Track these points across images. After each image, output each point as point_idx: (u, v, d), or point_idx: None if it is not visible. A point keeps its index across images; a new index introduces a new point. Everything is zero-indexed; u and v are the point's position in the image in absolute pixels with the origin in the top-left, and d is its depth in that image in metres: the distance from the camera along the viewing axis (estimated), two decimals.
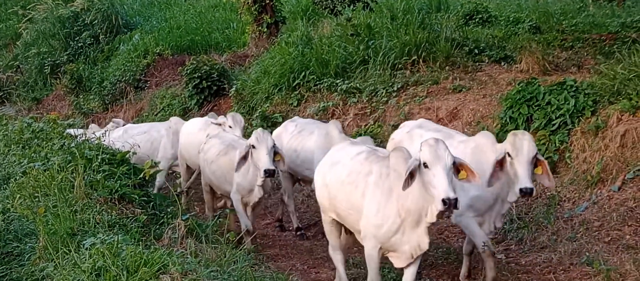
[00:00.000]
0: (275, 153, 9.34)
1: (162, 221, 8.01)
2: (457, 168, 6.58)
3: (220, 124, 11.37)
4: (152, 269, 5.76)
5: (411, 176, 6.42)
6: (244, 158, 9.31)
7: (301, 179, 11.14)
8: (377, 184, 6.93)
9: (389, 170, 6.89)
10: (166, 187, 12.13)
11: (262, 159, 9.15)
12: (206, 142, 10.54)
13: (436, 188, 6.27)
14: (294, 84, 14.89)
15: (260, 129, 9.44)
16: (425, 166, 6.35)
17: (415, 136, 8.76)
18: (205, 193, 10.87)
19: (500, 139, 10.85)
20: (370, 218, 6.96)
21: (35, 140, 10.94)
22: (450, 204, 6.14)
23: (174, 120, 13.35)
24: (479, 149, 8.00)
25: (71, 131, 12.09)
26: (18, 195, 8.44)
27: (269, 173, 9.14)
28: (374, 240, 6.98)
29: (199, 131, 11.92)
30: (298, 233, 10.95)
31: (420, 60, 13.84)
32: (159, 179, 12.58)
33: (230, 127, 11.24)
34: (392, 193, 6.80)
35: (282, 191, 11.43)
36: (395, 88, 13.32)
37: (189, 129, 12.33)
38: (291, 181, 11.12)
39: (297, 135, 10.78)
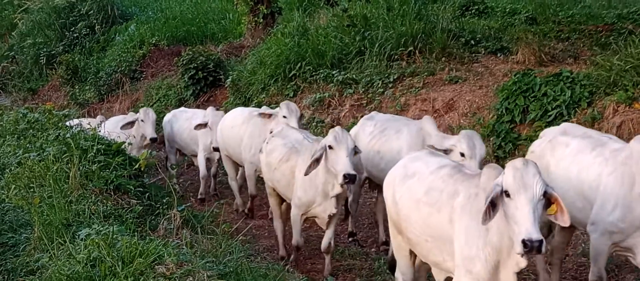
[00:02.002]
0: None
1: (157, 212, 8.01)
2: (548, 199, 5.25)
3: (269, 116, 10.33)
4: (147, 260, 5.74)
5: (493, 205, 5.22)
6: (317, 160, 7.95)
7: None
8: (465, 210, 5.64)
9: (478, 191, 5.60)
10: (162, 178, 12.12)
11: (342, 162, 7.75)
12: (268, 141, 9.18)
13: (518, 224, 5.07)
14: (290, 75, 14.89)
15: (338, 127, 8.08)
16: (507, 195, 5.15)
17: (558, 146, 7.31)
18: (270, 197, 9.42)
19: (497, 130, 10.92)
20: (460, 249, 5.69)
21: (31, 131, 10.89)
22: (532, 248, 4.96)
23: (210, 112, 12.48)
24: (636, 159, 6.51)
25: (84, 121, 12.29)
26: (13, 186, 8.42)
27: (349, 179, 7.74)
28: (469, 277, 5.62)
29: (242, 124, 10.93)
30: (351, 238, 10.02)
31: (417, 51, 13.84)
32: (202, 170, 12.61)
33: (284, 117, 10.05)
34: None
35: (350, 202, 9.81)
36: (391, 79, 13.32)
37: (231, 122, 11.34)
38: (361, 185, 9.85)
39: (379, 135, 9.24)
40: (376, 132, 9.25)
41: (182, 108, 14.71)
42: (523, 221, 5.02)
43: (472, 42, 14.06)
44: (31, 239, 7.09)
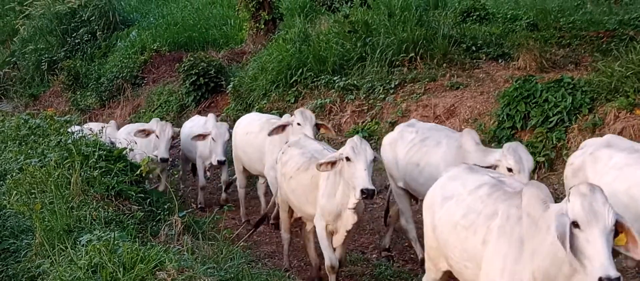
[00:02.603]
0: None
1: (158, 218, 8.01)
2: (617, 228, 4.68)
3: (285, 127, 9.74)
4: (148, 266, 5.74)
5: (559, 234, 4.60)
6: (331, 164, 7.50)
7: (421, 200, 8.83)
8: (503, 231, 5.13)
9: (520, 212, 5.06)
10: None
11: (359, 176, 7.24)
12: (284, 151, 8.70)
13: (591, 260, 4.50)
14: (292, 81, 14.89)
15: (356, 137, 7.52)
16: (576, 225, 4.56)
17: (600, 159, 6.94)
18: (282, 211, 9.00)
19: (498, 137, 10.91)
20: (492, 277, 5.16)
21: (32, 136, 10.90)
22: None
23: (212, 122, 12.18)
24: None
25: (93, 125, 12.49)
26: (14, 191, 8.43)
27: (367, 194, 7.18)
28: None
29: (261, 131, 10.50)
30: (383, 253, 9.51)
31: (418, 57, 13.85)
32: (201, 179, 12.50)
33: (299, 124, 9.56)
34: (523, 245, 5.00)
35: (395, 214, 9.30)
36: (392, 85, 13.33)
37: (247, 128, 10.95)
38: (408, 199, 9.02)
39: (419, 144, 8.55)
40: (416, 142, 8.60)
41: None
42: (597, 256, 4.48)
43: (474, 48, 14.06)
44: (32, 245, 7.09)
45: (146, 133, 12.01)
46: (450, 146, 8.20)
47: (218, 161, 11.74)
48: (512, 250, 5.02)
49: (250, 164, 11.00)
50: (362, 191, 7.13)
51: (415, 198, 8.94)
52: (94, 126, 12.50)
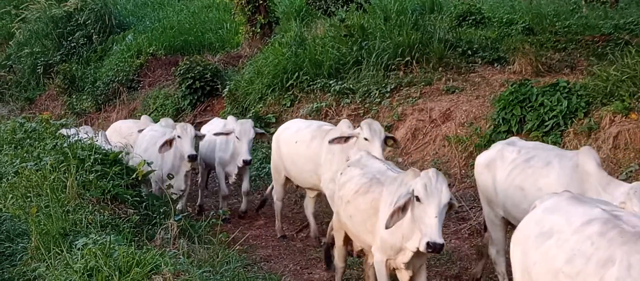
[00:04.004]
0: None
1: (154, 221, 8.01)
2: None
3: (347, 139, 8.67)
4: (144, 269, 5.75)
5: None
6: (402, 209, 6.16)
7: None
8: None
9: None
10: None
11: (428, 224, 5.96)
12: (344, 172, 7.57)
13: None
14: (288, 84, 14.89)
15: (432, 171, 6.16)
16: None
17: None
18: (337, 238, 7.94)
19: (493, 140, 10.93)
20: None
21: (28, 140, 10.90)
22: None
23: (232, 120, 11.42)
24: None
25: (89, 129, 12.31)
26: (10, 195, 8.43)
27: (434, 248, 5.97)
28: None
29: (313, 140, 9.50)
30: None
31: (414, 61, 13.86)
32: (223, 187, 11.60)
33: (366, 140, 8.45)
34: None
35: (487, 242, 8.00)
36: (388, 89, 13.34)
37: (296, 137, 9.84)
38: (504, 229, 7.73)
39: (523, 165, 7.29)
40: (519, 162, 7.36)
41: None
42: None
43: (469, 52, 14.08)
44: (28, 248, 7.09)
45: (169, 143, 10.87)
46: (564, 167, 6.93)
47: (244, 161, 10.90)
48: None
49: (299, 177, 9.95)
50: (428, 244, 5.94)
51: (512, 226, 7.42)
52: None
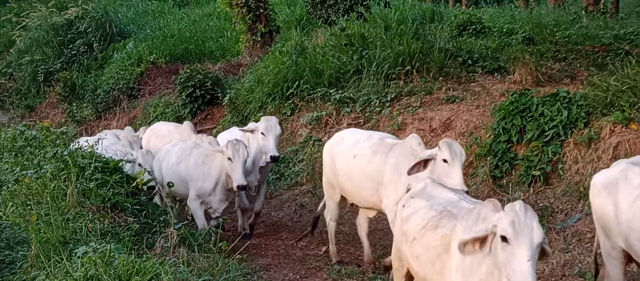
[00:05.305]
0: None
1: (154, 230, 8.01)
2: None
3: (426, 164, 7.60)
4: (144, 278, 5.75)
5: None
6: (481, 241, 5.12)
7: None
8: None
9: None
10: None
11: (518, 270, 4.85)
12: (406, 203, 6.43)
13: None
14: (288, 93, 14.90)
15: (519, 203, 5.06)
16: None
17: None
18: (396, 275, 6.84)
19: (493, 150, 10.93)
20: None
21: (28, 148, 10.91)
22: None
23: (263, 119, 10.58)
24: None
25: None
26: (10, 203, 8.43)
27: None
28: None
29: (374, 155, 8.45)
30: None
31: (414, 70, 13.87)
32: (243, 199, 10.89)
33: (445, 162, 7.52)
34: None
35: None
36: (388, 98, 13.34)
37: (354, 150, 8.75)
38: (623, 264, 6.65)
39: None
40: None
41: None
42: None
43: (470, 61, 14.10)
44: (28, 256, 7.09)
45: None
46: None
47: (271, 157, 10.20)
48: None
49: (356, 195, 8.87)
50: None
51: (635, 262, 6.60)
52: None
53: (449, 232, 5.62)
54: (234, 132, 11.49)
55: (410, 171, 7.55)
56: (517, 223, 4.88)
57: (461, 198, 6.06)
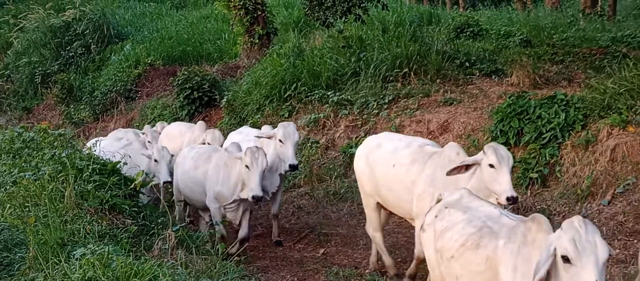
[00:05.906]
0: None
1: (152, 232, 7.99)
2: None
3: (468, 167, 7.16)
4: (142, 280, 5.74)
5: None
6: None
7: None
8: None
9: None
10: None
11: None
12: (438, 214, 6.03)
13: None
14: (286, 95, 14.90)
15: (577, 219, 4.76)
16: None
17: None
18: None
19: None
20: None
21: (26, 150, 10.89)
22: None
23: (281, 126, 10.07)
24: None
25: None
26: (8, 205, 8.41)
27: None
28: None
29: (413, 164, 7.93)
30: None
31: (412, 72, 13.89)
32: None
33: (491, 167, 7.03)
34: None
35: None
36: (386, 100, 13.35)
37: (393, 158, 8.18)
38: None
39: None
40: None
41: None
42: None
43: (467, 64, 14.12)
44: (26, 258, 7.07)
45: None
46: None
47: (290, 166, 9.78)
48: None
49: (396, 205, 8.32)
50: None
51: None
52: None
53: (492, 254, 5.18)
54: (244, 132, 11.32)
55: (450, 173, 7.14)
56: (578, 241, 4.52)
57: (501, 212, 5.61)
